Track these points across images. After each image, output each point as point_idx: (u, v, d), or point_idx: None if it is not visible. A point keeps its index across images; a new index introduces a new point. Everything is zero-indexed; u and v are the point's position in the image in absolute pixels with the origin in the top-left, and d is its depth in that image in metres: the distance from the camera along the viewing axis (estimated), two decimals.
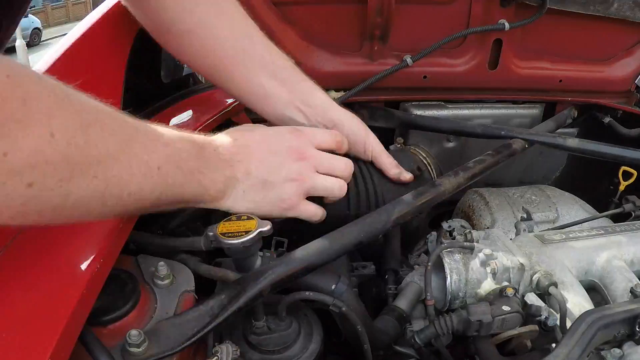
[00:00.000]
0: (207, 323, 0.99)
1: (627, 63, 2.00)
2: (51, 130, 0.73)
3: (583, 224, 1.57)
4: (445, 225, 1.61)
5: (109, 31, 1.41)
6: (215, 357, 0.99)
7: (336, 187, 1.21)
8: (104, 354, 0.88)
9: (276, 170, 1.14)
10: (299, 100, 1.30)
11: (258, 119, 1.72)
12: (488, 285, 1.28)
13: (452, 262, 1.31)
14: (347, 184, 1.26)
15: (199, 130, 1.42)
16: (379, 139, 2.19)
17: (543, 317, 1.17)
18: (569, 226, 1.57)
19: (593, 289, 1.31)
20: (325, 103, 1.37)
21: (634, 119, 2.11)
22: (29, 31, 16.30)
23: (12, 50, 13.92)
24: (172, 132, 1.02)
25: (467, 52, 1.86)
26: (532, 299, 1.22)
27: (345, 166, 1.18)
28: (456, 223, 1.69)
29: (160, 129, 0.99)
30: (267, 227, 1.14)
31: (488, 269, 1.29)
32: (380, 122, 1.98)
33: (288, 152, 1.15)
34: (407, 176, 1.43)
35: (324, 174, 1.19)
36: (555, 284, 1.22)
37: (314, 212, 1.23)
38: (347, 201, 1.37)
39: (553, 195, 1.88)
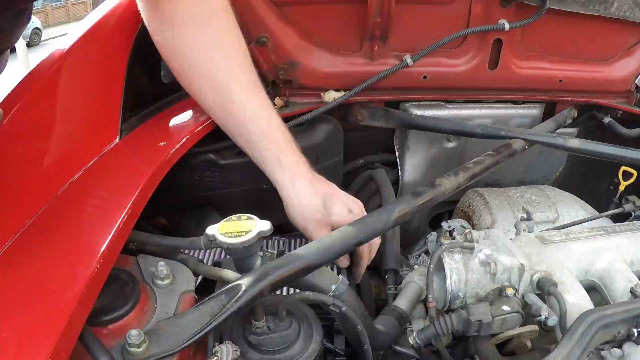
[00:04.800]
0: (207, 323, 0.99)
1: (627, 63, 2.00)
2: None
3: (583, 224, 1.57)
4: (445, 225, 1.61)
5: (109, 31, 1.41)
6: (215, 357, 0.99)
7: None
8: (104, 354, 0.88)
9: None
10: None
11: None
12: (488, 285, 1.28)
13: (452, 263, 1.31)
14: None
15: (198, 131, 1.43)
16: (379, 139, 2.21)
17: (543, 317, 1.17)
18: (569, 226, 1.57)
19: (593, 289, 1.31)
20: (271, 177, 1.42)
21: (634, 119, 2.11)
22: (29, 31, 16.29)
23: (11, 50, 13.93)
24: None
25: (467, 52, 1.86)
26: (532, 299, 1.22)
27: None
28: (456, 223, 1.69)
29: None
30: (267, 227, 1.14)
31: (488, 269, 1.29)
32: (380, 122, 1.98)
33: None
34: (344, 262, 1.45)
35: None
36: (555, 284, 1.22)
37: None
38: None
39: (553, 195, 1.88)
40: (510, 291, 1.24)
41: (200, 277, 1.26)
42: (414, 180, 2.14)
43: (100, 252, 0.94)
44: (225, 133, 1.45)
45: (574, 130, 2.19)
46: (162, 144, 1.34)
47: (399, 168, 2.14)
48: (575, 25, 1.86)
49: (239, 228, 1.12)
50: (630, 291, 1.19)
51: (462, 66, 1.88)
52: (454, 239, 1.42)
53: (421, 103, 1.99)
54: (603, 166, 2.02)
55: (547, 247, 1.35)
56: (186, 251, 1.27)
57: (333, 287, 1.20)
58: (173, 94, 1.65)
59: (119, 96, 1.37)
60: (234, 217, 1.17)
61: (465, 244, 1.33)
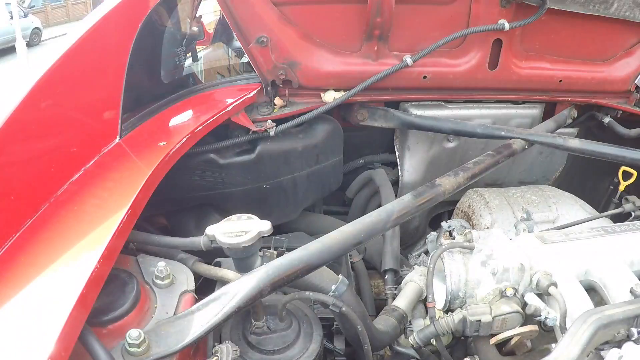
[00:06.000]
0: (207, 323, 0.99)
1: (627, 63, 2.00)
2: None
3: (583, 224, 1.57)
4: (445, 225, 1.61)
5: (109, 31, 1.41)
6: (215, 357, 0.99)
7: None
8: (104, 354, 0.88)
9: None
10: None
11: (258, 119, 1.73)
12: (488, 285, 1.28)
13: (452, 263, 1.31)
14: None
15: (198, 131, 1.42)
16: (379, 139, 2.21)
17: (543, 317, 1.17)
18: (569, 226, 1.57)
19: (593, 289, 1.31)
20: None
21: (634, 119, 2.11)
22: (29, 31, 16.24)
23: (12, 50, 13.90)
24: None
25: (467, 52, 1.86)
26: (532, 299, 1.22)
27: None
28: (456, 223, 1.69)
29: None
30: (267, 227, 1.14)
31: (488, 269, 1.29)
32: (380, 122, 1.98)
33: None
34: None
35: None
36: (555, 284, 1.22)
37: None
38: None
39: (553, 195, 1.88)
40: (510, 291, 1.24)
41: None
42: (414, 180, 2.14)
43: (101, 252, 0.94)
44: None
45: (574, 130, 2.19)
46: (162, 144, 1.34)
47: (399, 168, 2.14)
48: (575, 25, 1.86)
49: (239, 228, 1.13)
50: (630, 291, 1.19)
51: (462, 66, 1.88)
52: (454, 239, 1.42)
53: (421, 103, 1.99)
54: (603, 166, 2.02)
55: (547, 247, 1.35)
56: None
57: (333, 287, 1.20)
58: (173, 93, 1.65)
59: (119, 96, 1.37)
60: (234, 217, 1.17)
61: (465, 244, 1.33)
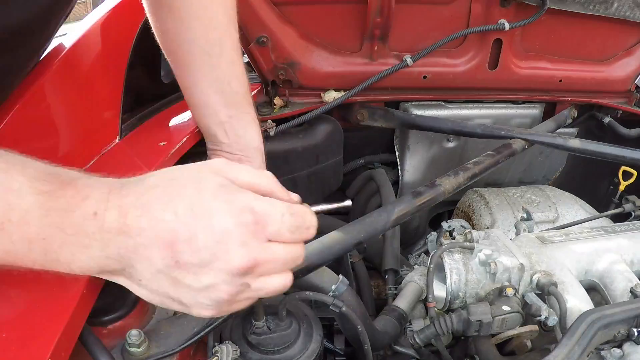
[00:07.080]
0: (207, 323, 0.99)
1: (627, 63, 2.00)
2: None
3: (583, 224, 1.57)
4: (445, 225, 1.61)
5: (109, 31, 1.41)
6: (215, 357, 0.99)
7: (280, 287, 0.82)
8: (104, 354, 0.88)
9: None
10: (229, 125, 1.29)
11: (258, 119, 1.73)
12: (488, 285, 1.28)
13: (452, 263, 1.31)
14: None
15: (198, 130, 1.42)
16: (379, 139, 2.21)
17: (543, 317, 1.17)
18: (569, 226, 1.57)
19: (593, 289, 1.32)
20: (251, 141, 1.30)
21: (634, 119, 2.11)
22: None
23: None
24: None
25: (467, 52, 1.86)
26: (532, 299, 1.22)
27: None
28: (456, 223, 1.69)
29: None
30: None
31: (488, 269, 1.29)
32: (380, 122, 1.98)
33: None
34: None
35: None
36: (555, 284, 1.22)
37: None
38: None
39: (553, 195, 1.88)
40: (510, 291, 1.24)
41: None
42: (414, 180, 2.14)
43: None
44: (183, 84, 1.35)
45: (574, 130, 2.19)
46: (162, 144, 1.34)
47: (399, 168, 2.14)
48: (575, 25, 1.86)
49: None
50: (630, 291, 1.20)
51: (462, 66, 1.88)
52: (454, 239, 1.42)
53: (421, 103, 1.99)
54: (603, 166, 2.02)
55: (547, 247, 1.35)
56: None
57: (333, 287, 1.20)
58: (173, 94, 1.65)
59: (119, 96, 1.37)
60: None
61: (465, 244, 1.33)
